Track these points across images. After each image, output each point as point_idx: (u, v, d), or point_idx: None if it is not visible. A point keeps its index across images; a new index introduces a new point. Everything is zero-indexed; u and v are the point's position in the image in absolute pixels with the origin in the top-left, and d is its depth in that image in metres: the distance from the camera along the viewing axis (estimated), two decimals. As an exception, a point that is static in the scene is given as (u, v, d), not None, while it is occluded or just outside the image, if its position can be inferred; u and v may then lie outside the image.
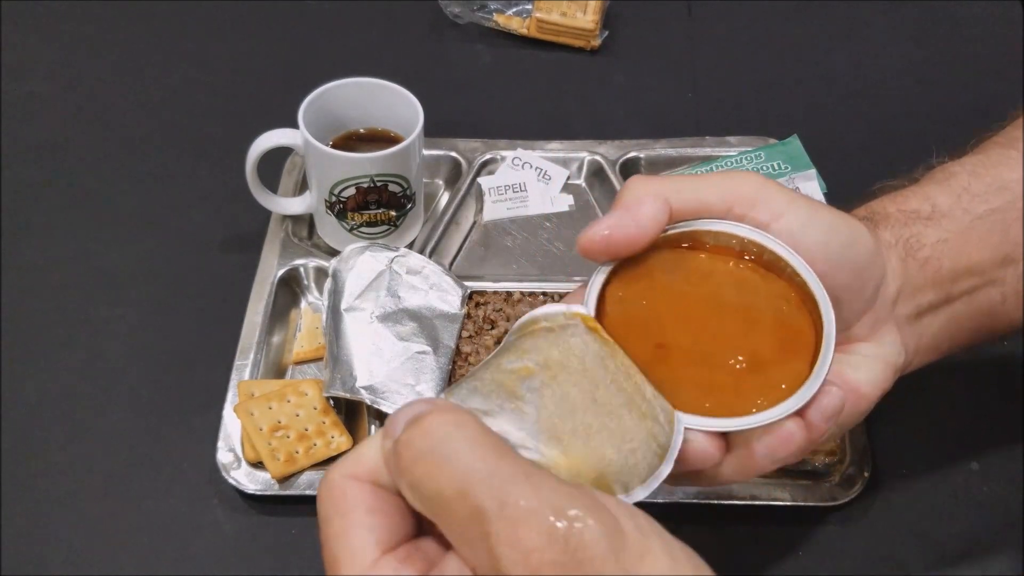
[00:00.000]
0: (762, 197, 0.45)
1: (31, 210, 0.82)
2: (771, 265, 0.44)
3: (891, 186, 0.55)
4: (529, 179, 0.82)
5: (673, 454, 0.38)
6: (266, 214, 0.79)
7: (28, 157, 0.86)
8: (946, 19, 0.99)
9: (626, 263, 0.43)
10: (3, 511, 0.65)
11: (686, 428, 0.39)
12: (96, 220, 0.82)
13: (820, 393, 0.40)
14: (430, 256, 0.77)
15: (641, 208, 0.43)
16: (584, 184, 0.84)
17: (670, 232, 0.44)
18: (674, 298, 0.42)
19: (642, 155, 0.84)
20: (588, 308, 0.41)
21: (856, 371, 0.49)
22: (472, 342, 0.71)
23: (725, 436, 0.41)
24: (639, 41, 0.98)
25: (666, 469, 0.38)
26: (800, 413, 0.40)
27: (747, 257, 0.44)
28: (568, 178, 0.84)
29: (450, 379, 0.69)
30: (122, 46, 0.97)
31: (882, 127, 0.91)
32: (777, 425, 0.40)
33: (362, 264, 0.72)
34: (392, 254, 0.73)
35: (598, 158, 0.83)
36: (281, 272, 0.75)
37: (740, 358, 0.41)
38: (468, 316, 0.72)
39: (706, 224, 0.44)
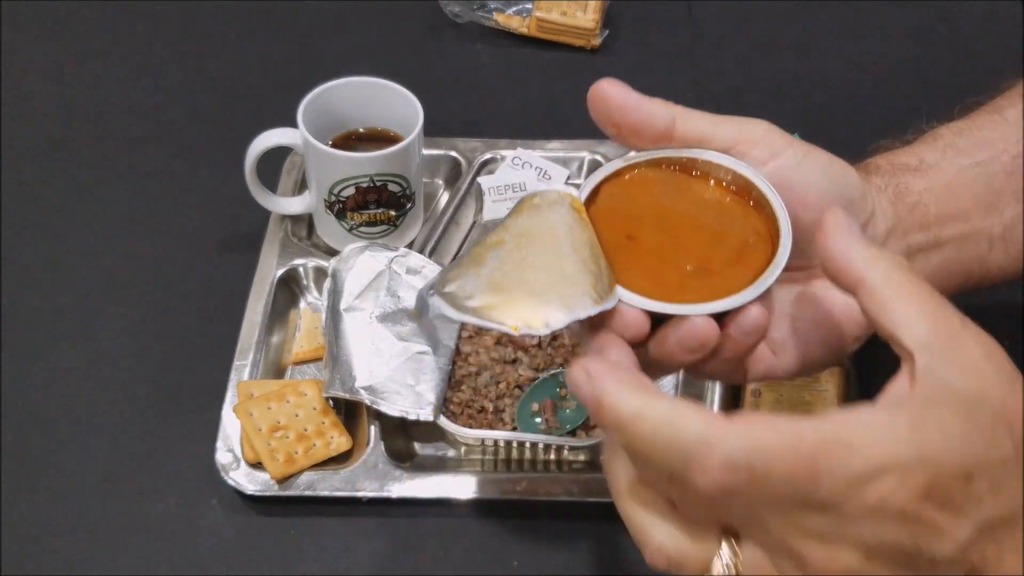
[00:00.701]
0: (765, 139, 0.48)
1: (31, 210, 0.82)
2: (755, 201, 0.47)
3: (884, 146, 0.59)
4: (529, 179, 0.82)
5: (605, 308, 0.43)
6: (265, 214, 0.79)
7: (28, 157, 0.86)
8: (946, 19, 0.99)
9: (626, 172, 0.48)
10: (3, 511, 0.65)
11: (621, 300, 0.44)
12: (96, 220, 0.82)
13: (746, 308, 0.44)
14: (430, 256, 0.77)
15: (650, 103, 0.48)
16: (584, 184, 0.84)
17: (672, 155, 0.48)
18: (656, 206, 0.48)
19: (643, 154, 0.84)
20: (581, 194, 0.47)
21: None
22: (472, 342, 0.71)
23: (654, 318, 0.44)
24: (639, 41, 0.98)
25: (595, 310, 0.42)
26: (722, 324, 0.44)
27: (733, 190, 0.48)
28: (568, 178, 0.83)
29: (450, 379, 0.69)
30: (122, 46, 0.97)
31: (882, 127, 0.90)
32: (694, 319, 0.43)
33: (361, 264, 0.72)
34: (392, 254, 0.73)
35: (598, 157, 0.83)
36: (280, 272, 0.75)
37: (692, 265, 0.45)
38: None
39: (705, 154, 0.47)
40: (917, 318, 0.38)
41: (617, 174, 0.48)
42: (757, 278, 0.44)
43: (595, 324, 0.44)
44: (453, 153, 0.84)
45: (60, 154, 0.87)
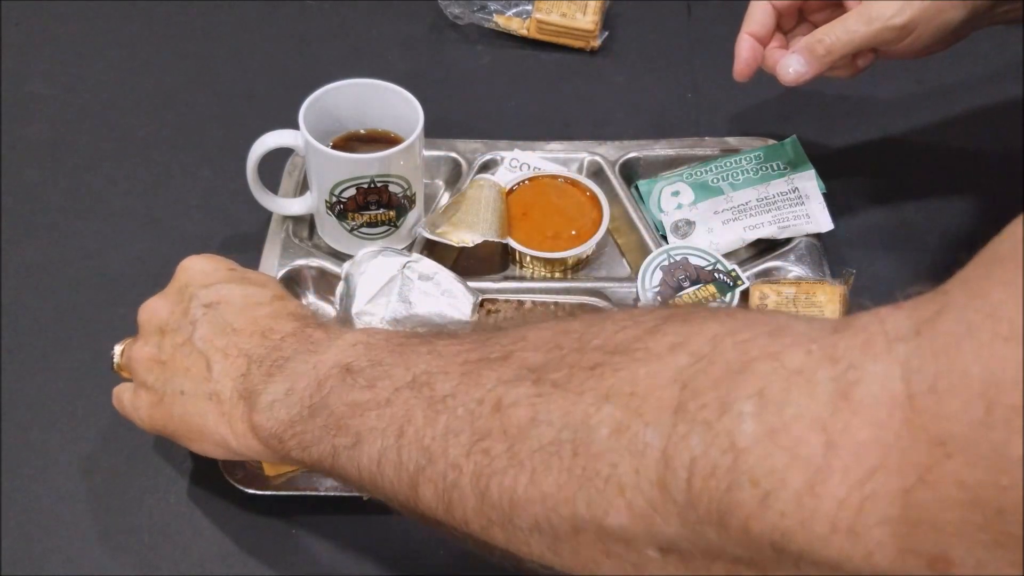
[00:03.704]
0: None
1: (31, 210, 0.82)
2: (592, 197, 0.79)
3: None
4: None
5: (496, 240, 0.76)
6: (267, 215, 0.79)
7: (28, 157, 0.86)
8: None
9: (534, 178, 0.81)
10: (3, 511, 0.65)
11: (509, 244, 0.77)
12: (96, 220, 0.82)
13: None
14: (430, 255, 0.77)
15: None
16: (584, 185, 0.84)
17: (558, 171, 0.82)
18: (544, 197, 0.80)
19: (642, 155, 0.85)
20: (506, 185, 0.79)
21: None
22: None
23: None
24: (639, 41, 0.98)
25: (491, 239, 0.76)
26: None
27: (585, 191, 0.80)
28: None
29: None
30: (122, 46, 0.97)
31: (881, 127, 0.91)
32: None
33: (374, 268, 0.72)
34: (404, 259, 0.73)
35: (598, 159, 0.83)
36: (282, 272, 0.75)
37: (553, 232, 0.77)
38: (479, 324, 0.72)
39: (572, 173, 0.82)
40: None
41: (530, 179, 0.81)
42: (584, 243, 0.77)
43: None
44: (453, 154, 0.84)
45: (61, 154, 0.87)
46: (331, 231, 0.77)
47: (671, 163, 0.84)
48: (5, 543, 0.63)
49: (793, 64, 0.69)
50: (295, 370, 0.52)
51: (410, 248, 0.77)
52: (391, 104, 0.75)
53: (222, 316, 0.57)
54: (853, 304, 0.72)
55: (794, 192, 0.79)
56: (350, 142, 0.77)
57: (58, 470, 0.67)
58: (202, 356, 0.56)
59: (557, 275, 0.78)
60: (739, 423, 0.35)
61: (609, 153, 0.84)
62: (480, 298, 0.73)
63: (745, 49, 0.73)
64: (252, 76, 0.94)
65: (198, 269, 0.61)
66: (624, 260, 0.80)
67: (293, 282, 0.76)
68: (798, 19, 0.76)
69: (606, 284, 0.77)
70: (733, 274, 0.74)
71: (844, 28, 0.67)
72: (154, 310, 0.61)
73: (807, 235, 0.77)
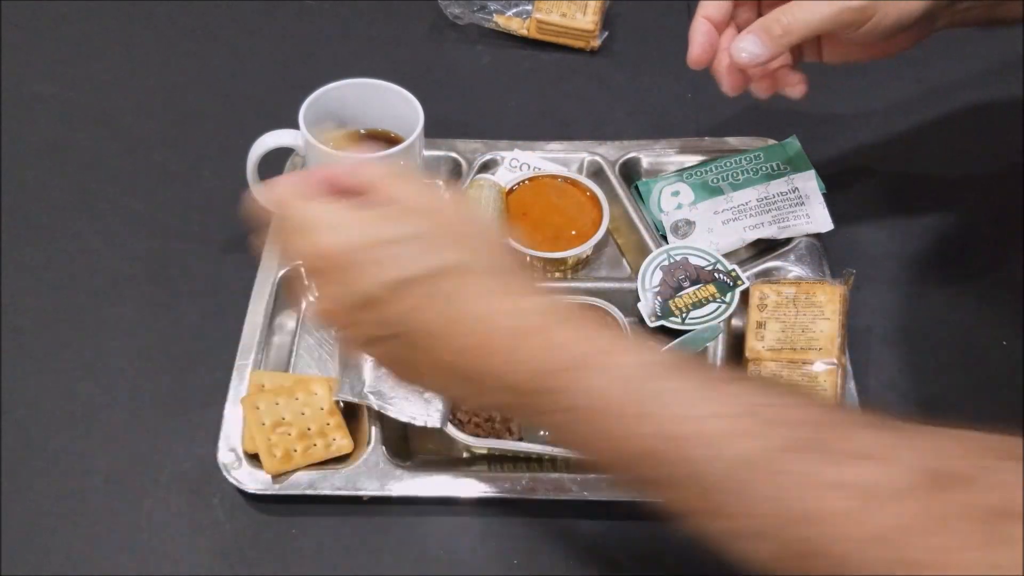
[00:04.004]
0: None
1: (31, 210, 0.82)
2: (592, 197, 0.80)
3: None
4: None
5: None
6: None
7: (28, 157, 0.86)
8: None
9: (533, 178, 0.81)
10: (3, 511, 0.65)
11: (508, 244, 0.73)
12: (97, 220, 0.82)
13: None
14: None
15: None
16: (584, 185, 0.84)
17: (556, 170, 0.82)
18: (544, 197, 0.80)
19: (642, 155, 0.85)
20: (506, 185, 0.80)
21: None
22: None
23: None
24: (639, 41, 0.98)
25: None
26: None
27: (585, 191, 0.80)
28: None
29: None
30: (122, 46, 0.97)
31: (881, 127, 0.91)
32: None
33: None
34: None
35: (598, 159, 0.83)
36: (282, 272, 0.75)
37: (553, 232, 0.77)
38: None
39: (572, 173, 0.82)
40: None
41: (530, 179, 0.81)
42: (584, 243, 0.76)
43: None
44: (453, 154, 0.84)
45: (61, 154, 0.87)
46: (331, 231, 0.77)
47: (671, 163, 0.84)
48: (5, 543, 0.63)
49: (748, 45, 0.65)
50: None
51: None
52: (391, 104, 0.75)
53: None
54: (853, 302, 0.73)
55: (794, 192, 0.79)
56: (350, 142, 0.77)
57: (58, 470, 0.67)
58: None
59: (557, 275, 0.78)
60: None
61: (609, 153, 0.84)
62: None
63: (700, 33, 0.69)
64: (253, 76, 0.94)
65: None
66: (624, 260, 0.80)
67: (293, 282, 0.76)
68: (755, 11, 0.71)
69: (606, 284, 0.77)
70: (733, 274, 0.74)
71: (803, 7, 0.64)
72: None
73: (807, 235, 0.77)
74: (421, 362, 0.48)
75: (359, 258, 0.47)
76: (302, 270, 0.55)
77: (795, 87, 0.70)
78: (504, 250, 0.53)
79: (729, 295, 0.73)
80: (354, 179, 0.51)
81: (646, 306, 0.74)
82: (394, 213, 0.49)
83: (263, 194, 0.63)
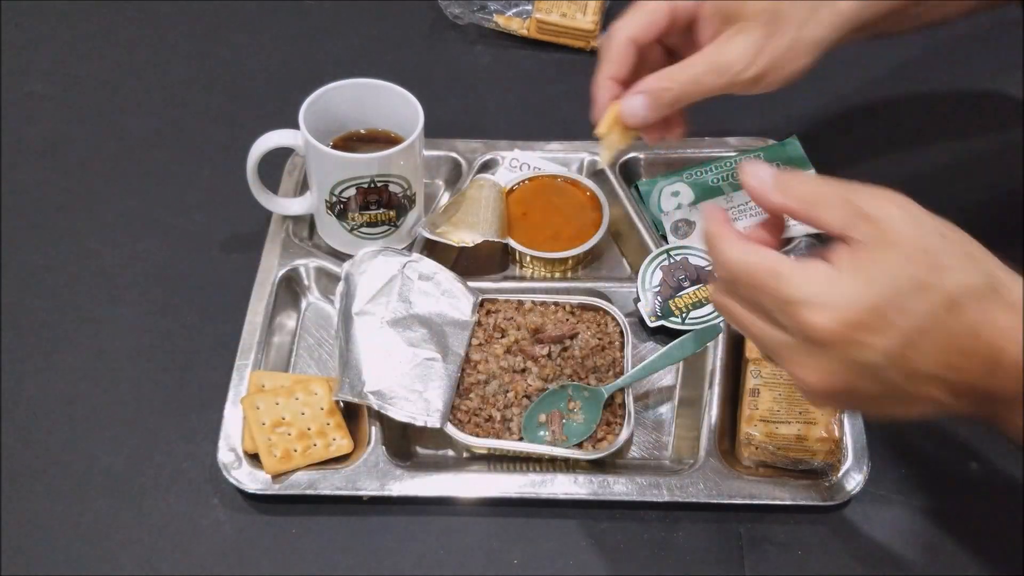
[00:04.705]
0: None
1: (31, 210, 0.82)
2: (592, 197, 0.80)
3: None
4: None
5: (496, 240, 0.77)
6: (267, 214, 0.79)
7: (28, 157, 0.86)
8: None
9: (533, 178, 0.81)
10: (3, 511, 0.65)
11: (508, 243, 0.77)
12: (97, 220, 0.82)
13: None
14: (430, 254, 0.77)
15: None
16: (584, 185, 0.84)
17: (557, 171, 0.82)
18: (544, 197, 0.81)
19: (642, 155, 0.85)
20: (506, 185, 0.80)
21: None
22: (482, 350, 0.71)
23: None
24: (639, 42, 0.98)
25: (491, 238, 0.76)
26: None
27: (585, 191, 0.81)
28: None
29: (458, 387, 0.69)
30: (122, 46, 0.97)
31: (881, 127, 0.91)
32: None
33: (375, 268, 0.72)
34: (404, 259, 0.73)
35: (596, 158, 0.83)
36: (282, 272, 0.75)
37: (552, 232, 0.78)
38: (479, 324, 0.72)
39: (572, 173, 0.82)
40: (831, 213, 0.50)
41: (530, 179, 0.81)
42: (584, 243, 0.77)
43: None
44: (453, 154, 0.84)
45: (61, 154, 0.87)
46: (331, 231, 0.77)
47: (671, 163, 0.84)
48: (5, 543, 0.63)
49: (637, 108, 0.65)
50: None
51: (410, 248, 0.77)
52: (391, 104, 0.75)
53: None
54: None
55: None
56: (350, 142, 0.77)
57: (59, 469, 0.67)
58: None
59: (557, 275, 0.78)
60: None
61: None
62: (480, 298, 0.73)
63: (602, 98, 0.68)
64: (253, 76, 0.94)
65: None
66: (624, 260, 0.80)
67: (293, 281, 0.76)
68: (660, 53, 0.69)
69: (606, 284, 0.77)
70: (733, 274, 0.74)
71: (693, 79, 0.63)
72: None
73: (807, 235, 0.77)
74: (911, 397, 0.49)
75: (856, 332, 0.47)
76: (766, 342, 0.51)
77: (677, 131, 0.70)
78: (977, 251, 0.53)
79: (729, 295, 0.73)
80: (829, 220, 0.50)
81: (646, 306, 0.74)
82: (872, 260, 0.48)
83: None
